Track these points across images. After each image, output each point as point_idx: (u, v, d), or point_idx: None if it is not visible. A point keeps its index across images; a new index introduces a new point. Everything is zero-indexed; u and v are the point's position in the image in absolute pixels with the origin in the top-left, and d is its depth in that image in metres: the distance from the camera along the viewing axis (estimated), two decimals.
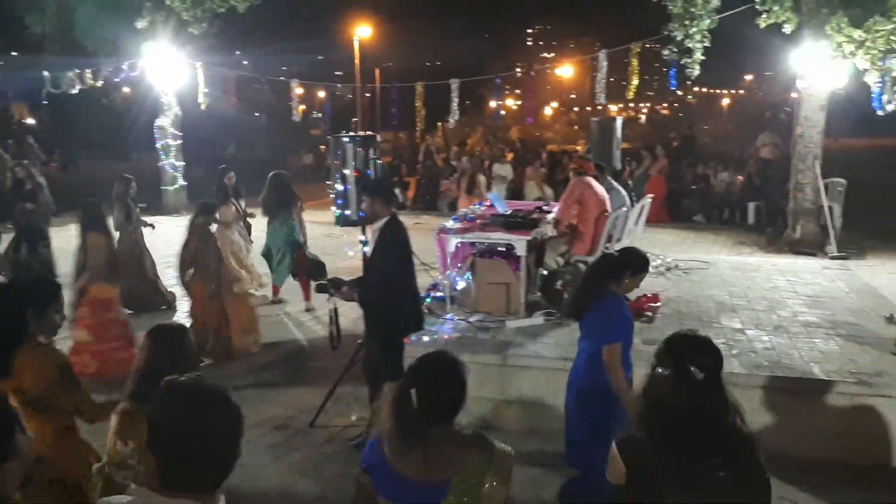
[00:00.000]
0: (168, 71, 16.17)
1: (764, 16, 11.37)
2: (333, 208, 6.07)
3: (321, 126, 38.79)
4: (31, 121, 30.68)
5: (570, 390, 4.49)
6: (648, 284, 8.11)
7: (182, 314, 8.39)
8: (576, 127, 53.53)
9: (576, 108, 76.97)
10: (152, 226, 9.34)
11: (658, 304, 7.17)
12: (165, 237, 10.27)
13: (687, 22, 11.87)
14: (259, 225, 9.63)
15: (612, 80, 14.31)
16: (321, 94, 35.51)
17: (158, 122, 16.99)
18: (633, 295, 7.38)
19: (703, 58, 12.16)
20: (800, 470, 4.93)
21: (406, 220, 5.94)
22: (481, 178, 11.83)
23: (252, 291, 8.73)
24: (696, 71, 12.32)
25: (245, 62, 24.66)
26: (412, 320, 5.49)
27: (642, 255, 4.57)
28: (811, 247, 11.44)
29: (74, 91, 16.90)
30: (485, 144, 22.77)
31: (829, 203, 11.55)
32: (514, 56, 73.47)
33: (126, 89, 22.36)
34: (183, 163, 17.54)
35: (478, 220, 7.53)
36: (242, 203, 9.53)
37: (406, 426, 2.37)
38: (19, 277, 6.72)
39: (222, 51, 18.46)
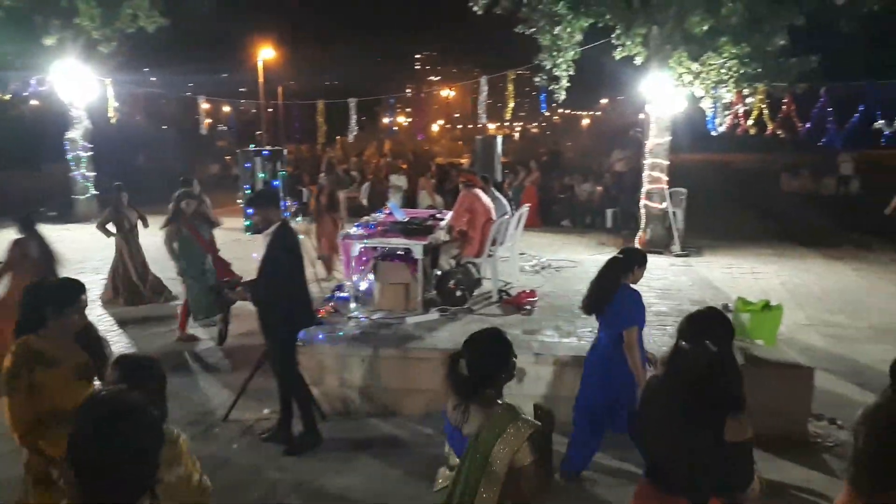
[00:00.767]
0: (78, 86, 15.11)
1: (619, 49, 11.68)
2: (243, 218, 5.85)
3: (226, 138, 37.50)
4: None
5: (594, 367, 4.63)
6: (526, 282, 8.29)
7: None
8: (460, 142, 54.08)
9: (459, 126, 77.86)
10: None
11: (535, 298, 7.28)
12: (77, 243, 9.58)
13: (554, 53, 12.10)
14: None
15: (490, 101, 14.53)
16: (226, 108, 34.32)
17: (69, 134, 15.88)
18: (514, 291, 7.56)
19: (568, 84, 12.43)
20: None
21: (310, 225, 5.78)
22: (341, 196, 10.11)
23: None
24: (563, 96, 12.56)
25: (154, 78, 23.45)
26: (304, 317, 5.34)
27: (643, 251, 4.95)
28: (659, 246, 11.79)
29: None
30: (380, 157, 22.58)
31: (673, 209, 11.97)
32: (404, 78, 73.66)
33: (35, 102, 20.75)
34: (94, 173, 16.48)
35: (379, 227, 7.44)
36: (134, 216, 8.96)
37: (458, 389, 2.60)
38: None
39: (131, 68, 17.49)
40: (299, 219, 8.42)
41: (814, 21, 10.76)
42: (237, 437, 5.42)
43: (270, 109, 33.11)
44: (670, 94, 11.63)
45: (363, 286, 7.17)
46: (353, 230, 7.37)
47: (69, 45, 14.69)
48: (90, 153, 16.24)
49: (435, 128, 66.52)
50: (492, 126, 15.35)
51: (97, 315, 8.24)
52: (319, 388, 5.79)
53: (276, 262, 5.02)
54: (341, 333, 6.17)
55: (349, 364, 5.88)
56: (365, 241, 6.99)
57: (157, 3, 14.76)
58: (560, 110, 65.82)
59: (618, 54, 11.77)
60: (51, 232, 8.04)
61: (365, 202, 16.70)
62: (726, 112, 12.26)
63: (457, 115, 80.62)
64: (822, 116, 12.29)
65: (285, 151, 6.08)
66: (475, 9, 12.03)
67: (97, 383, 3.23)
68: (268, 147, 6.04)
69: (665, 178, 12.05)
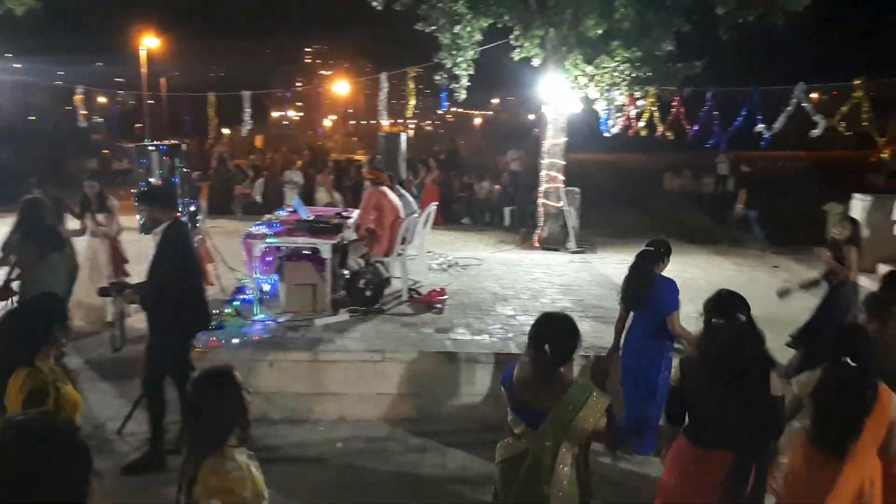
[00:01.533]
0: None
1: (517, 50, 11.80)
2: (138, 217, 5.48)
3: (103, 131, 35.19)
4: None
5: (635, 353, 4.98)
6: (435, 280, 8.30)
7: None
8: (354, 138, 53.58)
9: (353, 122, 77.11)
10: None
11: (445, 296, 7.31)
12: None
13: (454, 52, 12.13)
14: None
15: (389, 98, 14.43)
16: (102, 99, 32.10)
17: None
18: (424, 290, 7.55)
19: (468, 83, 12.52)
20: None
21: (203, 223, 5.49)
22: (113, 202, 7.71)
23: None
24: (463, 95, 12.63)
25: (18, 65, 21.56)
26: (197, 319, 5.12)
27: (666, 241, 5.28)
28: (556, 244, 12.06)
29: None
30: (274, 152, 21.97)
31: (569, 207, 12.26)
32: (293, 71, 72.01)
33: None
34: None
35: (284, 226, 7.19)
36: None
37: (543, 370, 2.92)
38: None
39: None
40: (200, 217, 7.98)
41: (699, 29, 11.42)
42: (133, 451, 5.08)
43: (151, 101, 31.38)
44: (566, 96, 11.93)
45: (266, 287, 6.93)
46: (255, 229, 7.08)
47: None
48: None
49: (327, 123, 65.51)
50: (385, 123, 15.29)
51: None
52: None
53: (164, 263, 4.79)
54: (245, 338, 5.93)
55: (256, 368, 5.65)
56: (268, 240, 6.74)
57: None
58: (454, 109, 66.62)
59: (516, 55, 11.89)
60: None
61: (259, 199, 16.18)
62: (618, 114, 12.77)
63: (350, 111, 79.75)
64: (709, 119, 13.03)
65: (184, 146, 5.74)
66: (374, 4, 11.88)
67: None
68: (165, 142, 5.68)
69: (561, 177, 12.34)
